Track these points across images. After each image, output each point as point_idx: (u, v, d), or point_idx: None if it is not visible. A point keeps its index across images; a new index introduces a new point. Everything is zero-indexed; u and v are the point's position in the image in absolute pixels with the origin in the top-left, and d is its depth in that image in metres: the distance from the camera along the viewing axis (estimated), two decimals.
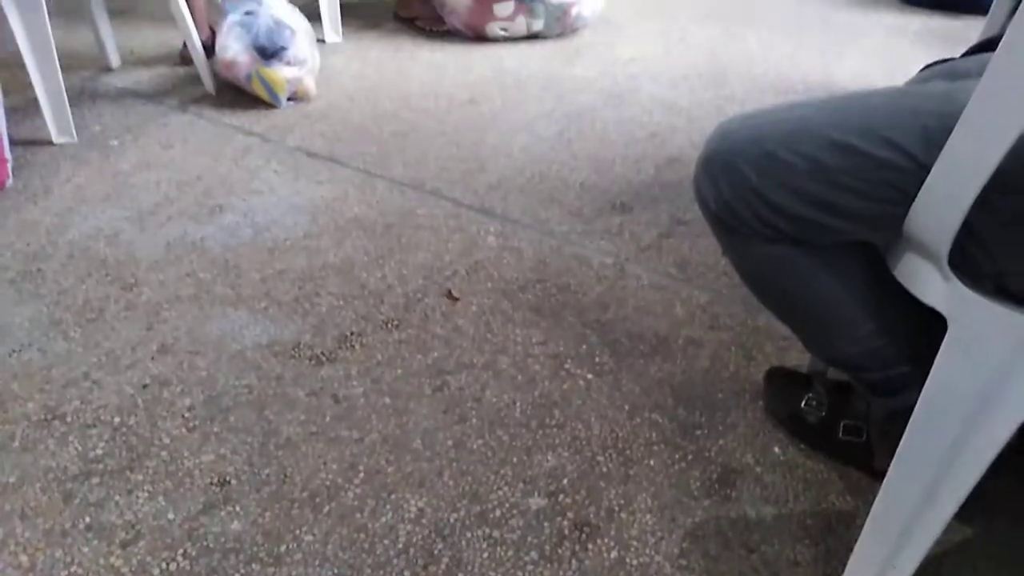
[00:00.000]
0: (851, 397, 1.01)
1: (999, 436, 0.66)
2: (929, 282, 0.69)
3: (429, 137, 1.90)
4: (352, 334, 1.24)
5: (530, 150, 1.85)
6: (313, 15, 2.32)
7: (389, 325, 1.26)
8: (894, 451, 0.73)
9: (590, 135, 1.91)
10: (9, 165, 1.65)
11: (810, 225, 0.75)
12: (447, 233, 1.52)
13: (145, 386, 1.12)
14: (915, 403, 0.71)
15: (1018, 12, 0.55)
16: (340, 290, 1.34)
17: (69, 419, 1.06)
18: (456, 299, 1.32)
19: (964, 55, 0.90)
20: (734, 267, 0.88)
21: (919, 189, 0.66)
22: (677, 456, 1.02)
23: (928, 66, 0.92)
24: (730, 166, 0.76)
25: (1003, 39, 0.56)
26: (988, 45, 0.87)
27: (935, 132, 0.64)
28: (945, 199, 0.64)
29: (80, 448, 1.01)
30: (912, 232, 0.70)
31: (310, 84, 2.05)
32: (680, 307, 1.31)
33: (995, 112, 0.58)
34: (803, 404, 1.03)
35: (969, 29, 2.54)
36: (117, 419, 1.06)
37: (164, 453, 1.01)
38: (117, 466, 0.99)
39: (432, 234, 1.51)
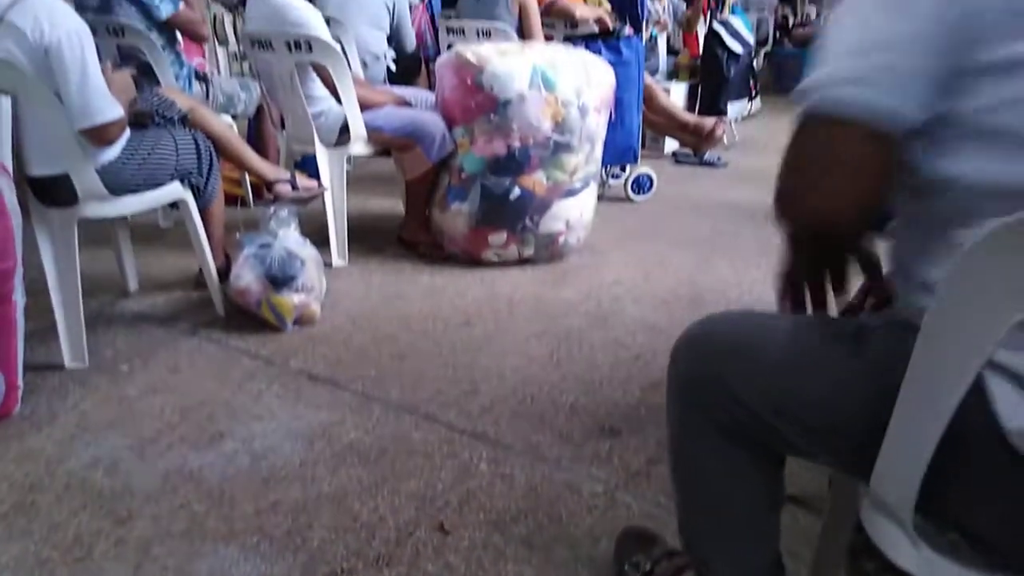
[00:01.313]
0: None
1: None
2: (899, 546, 0.73)
3: (426, 359, 2.00)
4: (342, 571, 1.23)
5: (522, 371, 1.93)
6: (322, 240, 2.52)
7: (380, 562, 1.26)
8: None
9: (578, 357, 2.01)
10: (19, 392, 1.71)
11: (768, 429, 0.81)
12: (440, 459, 1.55)
13: None
14: None
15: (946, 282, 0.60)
16: (333, 522, 1.35)
17: None
18: (447, 532, 1.33)
19: None
20: (670, 437, 0.94)
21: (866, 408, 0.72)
22: None
23: None
24: (709, 349, 0.84)
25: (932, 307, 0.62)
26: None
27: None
28: (899, 469, 0.70)
29: None
30: (876, 494, 0.75)
31: (315, 309, 2.19)
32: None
33: (933, 384, 0.65)
34: (626, 566, 1.07)
35: None
36: None
37: None
38: None
39: (426, 460, 1.55)
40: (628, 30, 3.33)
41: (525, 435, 1.65)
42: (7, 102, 1.59)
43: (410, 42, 4.04)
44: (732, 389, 0.81)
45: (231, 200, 2.90)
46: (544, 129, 2.47)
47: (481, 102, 2.46)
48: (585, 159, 2.60)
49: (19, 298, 1.65)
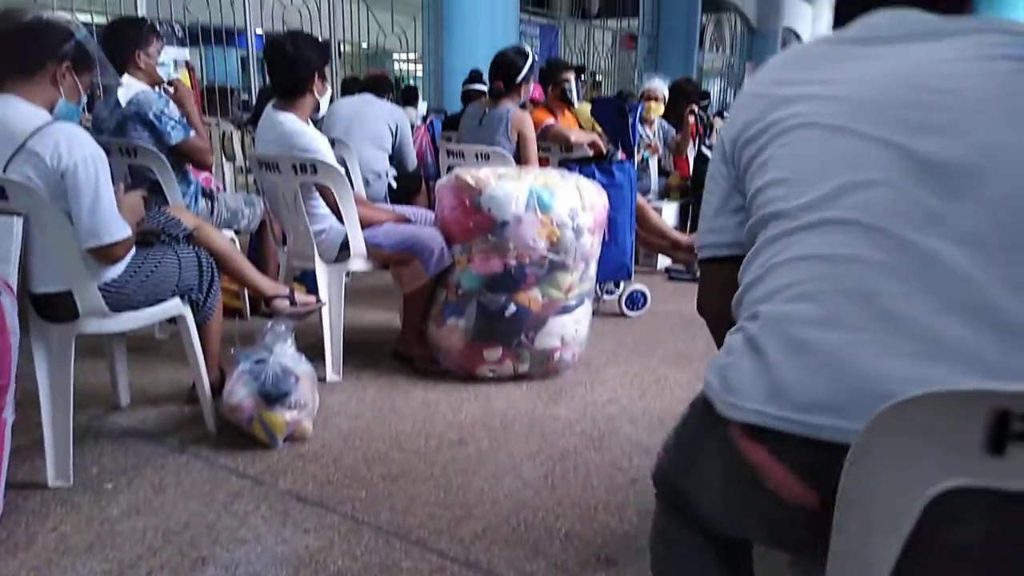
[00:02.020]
0: None
1: None
2: None
3: (418, 481, 1.95)
4: None
5: (516, 495, 1.89)
6: (317, 354, 2.52)
7: None
8: None
9: (573, 480, 1.98)
10: None
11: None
12: None
13: None
14: None
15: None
16: None
17: None
18: None
19: None
20: (653, 539, 1.03)
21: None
22: None
23: None
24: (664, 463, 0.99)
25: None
26: None
27: None
28: None
29: None
30: None
31: (307, 425, 2.16)
32: None
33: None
34: None
35: None
36: None
37: None
38: None
39: None
40: (620, 155, 3.48)
41: (519, 564, 1.59)
42: (19, 223, 1.64)
43: (411, 161, 4.22)
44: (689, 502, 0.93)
45: (229, 312, 2.94)
46: (540, 248, 2.53)
47: (479, 222, 2.54)
48: (580, 277, 2.66)
49: (8, 415, 1.63)
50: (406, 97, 6.45)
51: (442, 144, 3.55)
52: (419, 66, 7.32)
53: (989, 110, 0.78)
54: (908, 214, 0.76)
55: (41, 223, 1.69)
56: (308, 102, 2.50)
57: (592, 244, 2.66)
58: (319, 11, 6.06)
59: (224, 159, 5.93)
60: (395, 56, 9.49)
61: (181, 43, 4.53)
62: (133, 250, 1.90)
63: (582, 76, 4.43)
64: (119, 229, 1.77)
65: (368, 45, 6.68)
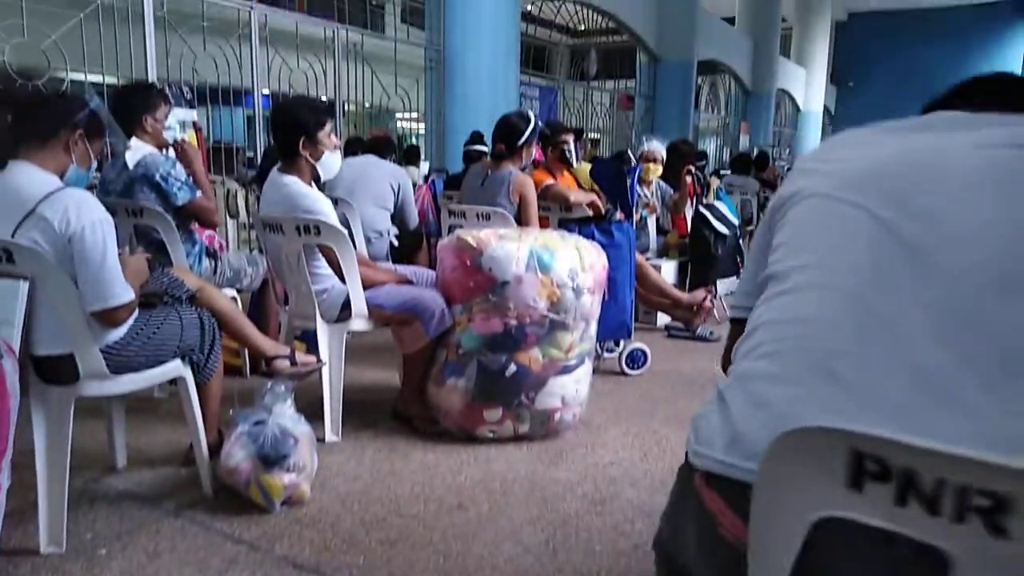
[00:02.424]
0: None
1: None
2: None
3: (417, 546, 1.92)
4: None
5: (516, 561, 1.86)
6: (316, 414, 2.51)
7: None
8: None
9: (575, 546, 1.94)
10: None
11: None
12: None
13: None
14: None
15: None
16: None
17: None
18: None
19: None
20: None
21: None
22: None
23: None
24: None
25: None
26: None
27: None
28: None
29: None
30: None
31: (305, 489, 2.13)
32: None
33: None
34: None
35: None
36: None
37: None
38: None
39: None
40: (619, 215, 3.53)
41: None
42: (25, 287, 1.65)
43: (413, 220, 4.27)
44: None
45: (229, 371, 2.93)
46: (540, 308, 2.55)
47: (480, 282, 2.56)
48: (580, 337, 2.66)
49: (4, 480, 1.61)
50: (408, 156, 6.58)
51: (444, 204, 3.60)
52: (422, 124, 7.48)
53: (974, 189, 0.82)
54: (880, 282, 0.82)
55: (46, 286, 1.71)
56: (305, 166, 2.55)
57: (592, 304, 2.68)
58: (324, 72, 6.24)
59: (228, 216, 6.01)
60: (398, 115, 9.72)
61: (190, 104, 4.64)
62: (136, 312, 1.91)
63: (582, 137, 4.54)
64: (123, 292, 1.79)
65: (371, 104, 6.85)
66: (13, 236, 1.69)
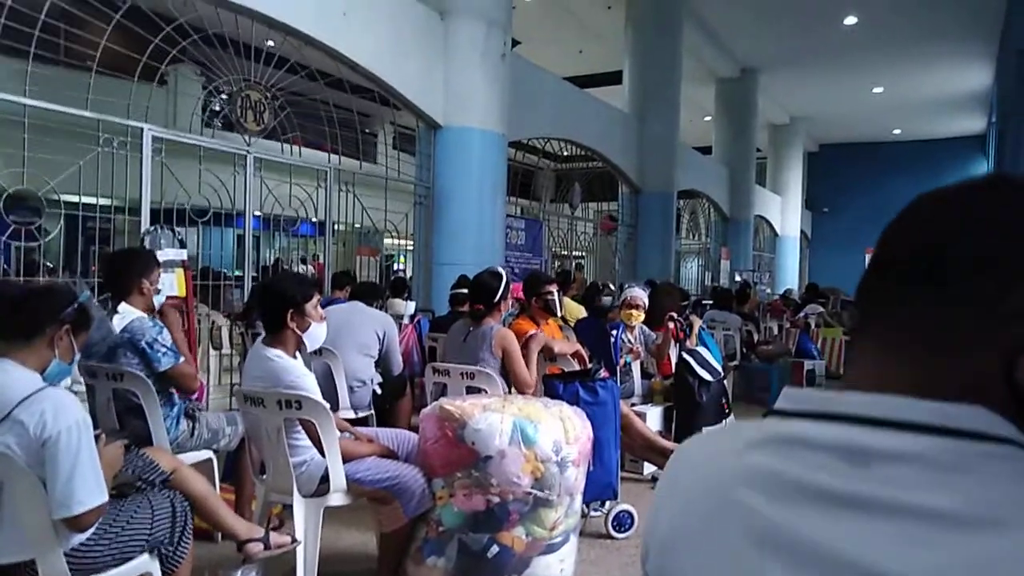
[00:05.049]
0: None
1: None
2: None
3: None
4: None
5: None
6: None
7: None
8: None
9: None
10: None
11: None
12: None
13: None
14: None
15: None
16: None
17: None
18: None
19: None
20: None
21: None
22: None
23: None
24: None
25: None
26: None
27: None
28: None
29: None
30: None
31: None
32: None
33: None
34: None
35: None
36: None
37: None
38: None
39: None
40: (604, 372, 3.54)
41: None
42: None
43: (397, 366, 4.26)
44: None
45: (200, 535, 2.80)
46: (524, 484, 2.50)
47: (462, 456, 2.52)
48: (565, 512, 2.60)
49: None
50: (395, 288, 6.65)
51: (428, 369, 3.60)
52: (410, 241, 7.58)
53: None
54: None
55: (14, 491, 1.66)
56: (291, 337, 2.56)
57: (577, 477, 2.64)
58: (316, 197, 6.38)
59: (211, 348, 5.97)
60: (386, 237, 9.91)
61: (181, 243, 4.70)
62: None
63: (569, 280, 4.60)
64: (93, 497, 1.73)
65: (361, 225, 6.97)
66: None
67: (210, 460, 3.00)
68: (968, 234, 0.53)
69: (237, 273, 7.26)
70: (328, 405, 2.48)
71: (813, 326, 8.97)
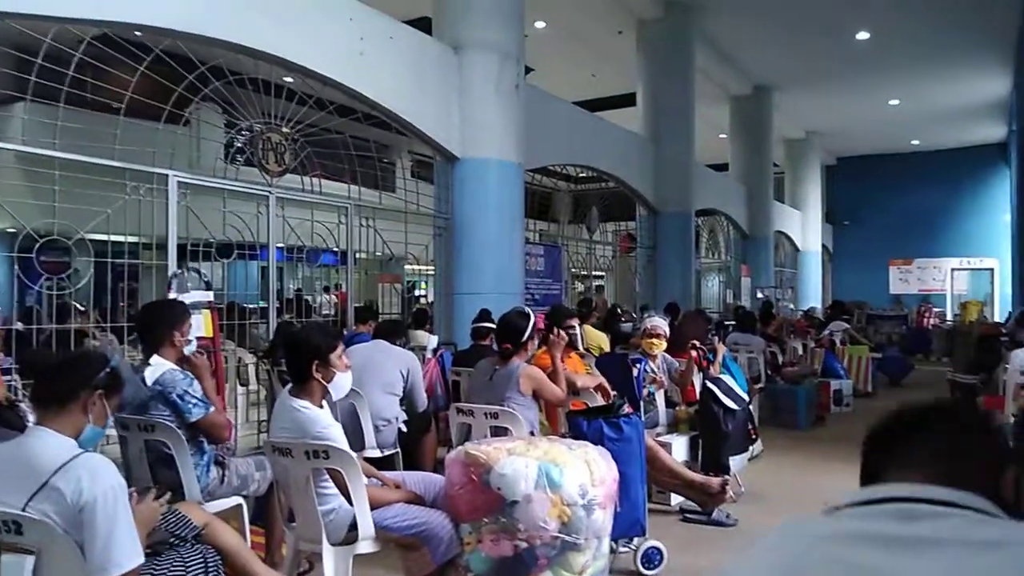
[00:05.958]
0: None
1: None
2: None
3: None
4: None
5: None
6: None
7: None
8: None
9: None
10: None
11: None
12: None
13: None
14: None
15: None
16: None
17: None
18: None
19: None
20: None
21: None
22: None
23: None
24: None
25: None
26: None
27: None
28: None
29: None
30: None
31: None
32: None
33: None
34: None
35: None
36: None
37: None
38: None
39: None
40: (627, 408, 3.53)
41: None
42: (30, 562, 1.64)
43: (422, 403, 4.28)
44: None
45: None
46: (551, 529, 2.50)
47: (489, 501, 2.53)
48: (593, 555, 2.59)
49: None
50: (417, 319, 6.69)
51: (453, 408, 3.63)
52: (431, 267, 7.63)
53: None
54: None
55: (51, 558, 1.69)
56: (317, 387, 2.59)
57: (604, 519, 2.63)
58: (337, 233, 6.46)
59: (239, 385, 6.04)
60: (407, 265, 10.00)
61: (207, 285, 4.79)
62: None
63: (591, 307, 4.59)
64: (129, 560, 1.76)
65: (382, 253, 7.05)
66: (25, 508, 1.69)
67: (240, 506, 3.03)
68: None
69: (262, 304, 7.36)
70: (355, 455, 2.51)
71: (839, 343, 8.88)
